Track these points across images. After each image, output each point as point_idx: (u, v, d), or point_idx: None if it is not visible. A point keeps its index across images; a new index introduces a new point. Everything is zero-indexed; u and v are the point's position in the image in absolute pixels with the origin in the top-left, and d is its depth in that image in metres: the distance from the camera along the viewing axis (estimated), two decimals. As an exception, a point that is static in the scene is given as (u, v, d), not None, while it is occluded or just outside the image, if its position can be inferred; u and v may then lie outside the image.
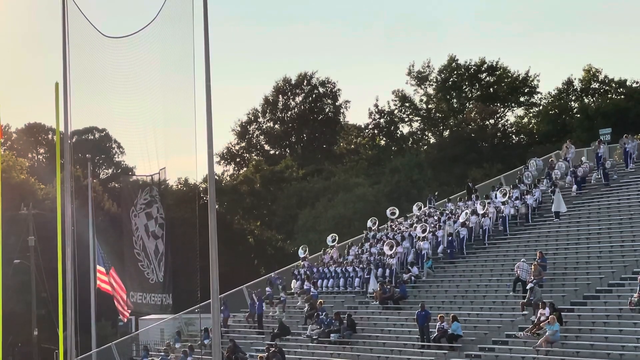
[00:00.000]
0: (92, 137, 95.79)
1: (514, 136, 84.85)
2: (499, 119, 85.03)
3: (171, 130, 24.21)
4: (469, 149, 77.72)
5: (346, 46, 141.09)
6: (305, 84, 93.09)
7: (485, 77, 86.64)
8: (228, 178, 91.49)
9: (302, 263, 48.14)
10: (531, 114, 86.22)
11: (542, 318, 31.33)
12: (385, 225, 49.96)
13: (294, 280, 47.00)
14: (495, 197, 46.06)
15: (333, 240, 49.43)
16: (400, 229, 47.39)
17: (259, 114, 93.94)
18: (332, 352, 37.55)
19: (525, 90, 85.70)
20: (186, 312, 47.95)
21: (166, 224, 25.04)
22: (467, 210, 45.14)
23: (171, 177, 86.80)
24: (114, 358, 48.28)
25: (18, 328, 60.35)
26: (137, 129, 24.78)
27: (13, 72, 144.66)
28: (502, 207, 44.55)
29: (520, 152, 72.52)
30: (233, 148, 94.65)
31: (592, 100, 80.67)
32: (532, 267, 36.05)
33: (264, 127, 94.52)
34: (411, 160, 78.06)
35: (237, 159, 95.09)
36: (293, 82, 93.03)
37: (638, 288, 31.27)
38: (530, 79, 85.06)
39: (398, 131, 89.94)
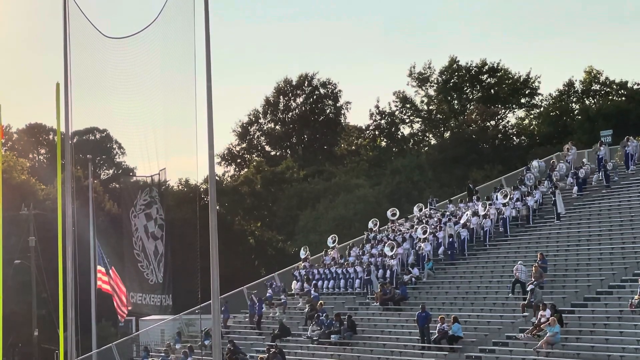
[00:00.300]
0: (93, 138, 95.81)
1: (514, 138, 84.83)
2: (500, 121, 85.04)
3: (172, 130, 24.22)
4: (470, 151, 77.71)
5: (347, 47, 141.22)
6: (306, 85, 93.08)
7: (486, 78, 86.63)
8: (229, 179, 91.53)
9: (302, 264, 48.14)
10: (532, 116, 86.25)
11: (543, 320, 31.30)
12: (386, 227, 49.94)
13: (294, 281, 47.01)
14: (496, 199, 46.05)
15: (333, 242, 49.43)
16: (400, 230, 47.38)
17: (260, 115, 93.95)
18: (332, 353, 37.54)
19: (526, 92, 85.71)
20: (186, 312, 47.95)
21: (166, 224, 25.02)
22: (467, 212, 45.13)
23: (172, 178, 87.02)
24: (114, 358, 48.28)
25: (18, 328, 60.37)
26: (138, 130, 24.79)
27: (14, 72, 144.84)
28: (503, 208, 44.52)
29: (521, 154, 72.51)
30: (234, 149, 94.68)
31: (593, 101, 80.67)
32: (533, 268, 36.05)
33: (265, 128, 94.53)
34: (412, 161, 78.04)
35: (238, 160, 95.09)
36: (294, 83, 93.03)
37: (638, 290, 31.26)
38: (531, 81, 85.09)
39: (399, 132, 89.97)
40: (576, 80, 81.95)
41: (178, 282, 26.87)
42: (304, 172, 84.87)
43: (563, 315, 31.87)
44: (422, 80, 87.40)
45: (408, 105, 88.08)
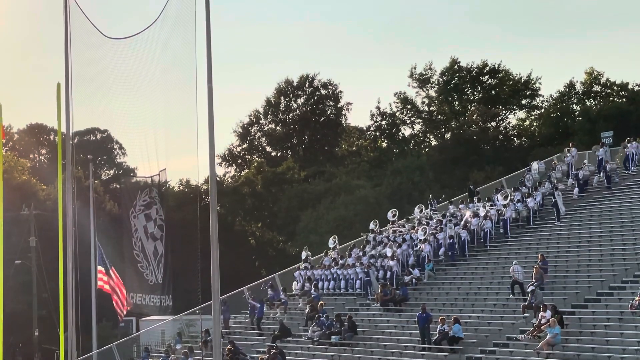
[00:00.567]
0: (93, 138, 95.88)
1: (515, 139, 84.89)
2: (501, 122, 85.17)
3: (172, 131, 24.20)
4: (471, 152, 77.76)
5: (348, 48, 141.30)
6: (307, 85, 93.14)
7: (487, 79, 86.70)
8: (229, 179, 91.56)
9: (303, 265, 48.15)
10: (533, 117, 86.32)
11: (543, 321, 31.29)
12: (387, 228, 49.94)
13: (294, 282, 47.02)
14: (497, 200, 46.05)
15: (334, 242, 49.43)
16: (401, 231, 47.38)
17: (261, 116, 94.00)
18: (332, 353, 37.54)
19: (527, 93, 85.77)
20: (187, 313, 47.95)
21: (166, 225, 24.98)
22: (467, 213, 45.14)
23: (173, 179, 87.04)
24: (114, 359, 48.28)
25: (19, 328, 60.35)
26: (138, 130, 24.77)
27: (15, 72, 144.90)
28: (504, 209, 44.52)
29: (522, 155, 72.53)
30: (235, 149, 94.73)
31: (594, 103, 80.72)
32: (534, 269, 36.05)
33: (266, 128, 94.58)
34: (413, 162, 78.05)
35: (239, 161, 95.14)
36: (295, 83, 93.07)
37: (639, 291, 31.25)
38: (532, 82, 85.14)
39: (400, 133, 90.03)
40: (577, 82, 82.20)
41: (178, 283, 26.84)
42: (305, 173, 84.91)
43: (563, 316, 31.86)
44: (423, 81, 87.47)
45: (409, 106, 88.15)
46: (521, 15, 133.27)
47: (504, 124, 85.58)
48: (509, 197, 45.15)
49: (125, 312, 44.62)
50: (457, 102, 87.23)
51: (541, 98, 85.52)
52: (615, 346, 29.35)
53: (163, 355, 42.89)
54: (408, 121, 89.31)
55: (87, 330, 45.39)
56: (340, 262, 46.15)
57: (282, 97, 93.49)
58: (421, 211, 50.65)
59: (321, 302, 41.89)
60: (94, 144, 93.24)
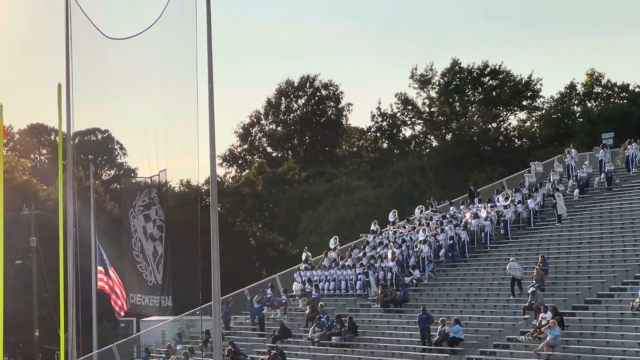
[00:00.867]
0: (94, 138, 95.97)
1: (516, 140, 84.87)
2: (502, 123, 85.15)
3: (173, 131, 24.19)
4: (471, 153, 77.75)
5: (349, 49, 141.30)
6: (308, 86, 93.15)
7: (488, 80, 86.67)
8: (230, 180, 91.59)
9: (303, 266, 48.14)
10: (534, 118, 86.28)
11: (544, 322, 31.27)
12: (387, 228, 49.94)
13: (295, 283, 47.00)
14: (497, 201, 46.04)
15: (335, 243, 49.42)
16: (401, 232, 47.37)
17: (262, 116, 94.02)
18: (333, 354, 37.53)
19: (528, 94, 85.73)
20: (187, 314, 47.96)
21: (166, 226, 24.96)
22: (468, 214, 45.13)
23: (173, 179, 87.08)
24: (115, 359, 48.27)
25: (19, 329, 60.38)
26: (138, 131, 24.76)
27: (16, 72, 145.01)
28: (504, 210, 44.51)
29: (523, 156, 72.44)
30: (235, 150, 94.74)
31: (594, 104, 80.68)
32: (535, 271, 36.05)
33: (267, 129, 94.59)
34: (413, 163, 78.03)
35: (240, 161, 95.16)
36: (296, 84, 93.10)
37: (640, 293, 31.28)
38: (533, 83, 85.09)
39: (400, 134, 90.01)
40: (578, 83, 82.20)
41: (179, 283, 26.83)
42: (306, 174, 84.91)
43: (564, 317, 31.85)
44: (423, 82, 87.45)
45: (410, 107, 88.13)
46: (522, 17, 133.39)
47: (505, 125, 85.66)
48: (509, 198, 45.14)
49: (123, 312, 44.75)
50: (458, 103, 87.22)
51: (542, 99, 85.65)
52: (615, 347, 29.32)
53: (163, 355, 42.86)
54: (409, 122, 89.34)
55: (87, 331, 45.40)
56: (341, 263, 46.16)
57: (283, 98, 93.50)
58: (421, 212, 50.65)
59: (321, 302, 41.87)
60: (94, 144, 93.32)
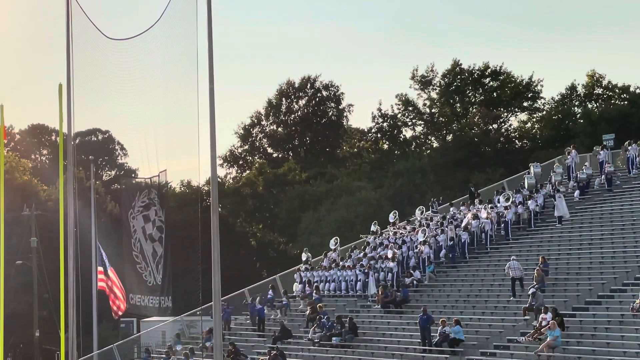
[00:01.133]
0: (95, 139, 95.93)
1: (517, 141, 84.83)
2: (502, 124, 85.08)
3: (174, 132, 24.20)
4: (472, 154, 77.71)
5: (350, 50, 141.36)
6: (308, 87, 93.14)
7: (489, 81, 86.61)
8: (231, 180, 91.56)
9: (303, 266, 48.13)
10: (534, 119, 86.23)
11: (544, 323, 31.27)
12: (387, 229, 49.93)
13: (295, 284, 46.99)
14: (498, 202, 46.03)
15: (335, 244, 49.41)
16: (402, 233, 47.37)
17: (262, 117, 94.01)
18: (333, 355, 37.53)
19: (529, 95, 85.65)
20: (188, 314, 47.96)
21: (166, 226, 24.96)
22: (469, 215, 45.13)
23: (174, 180, 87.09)
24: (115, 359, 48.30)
25: (19, 329, 60.37)
26: (139, 131, 24.78)
27: (17, 73, 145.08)
28: (505, 211, 44.51)
29: (523, 157, 72.46)
30: (236, 151, 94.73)
31: (595, 105, 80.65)
32: (535, 272, 36.06)
33: (267, 130, 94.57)
34: (414, 164, 77.99)
35: (240, 162, 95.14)
36: (296, 85, 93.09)
37: (640, 294, 31.28)
38: (534, 84, 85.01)
39: (401, 135, 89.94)
40: (578, 84, 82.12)
41: (179, 284, 26.84)
42: (306, 174, 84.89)
43: (564, 318, 31.86)
44: (424, 83, 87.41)
45: (410, 108, 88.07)
46: (523, 18, 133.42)
47: (506, 126, 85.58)
48: (510, 199, 45.13)
49: (120, 312, 44.85)
50: (458, 104, 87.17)
51: (543, 100, 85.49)
52: (616, 349, 29.32)
53: (164, 356, 42.89)
54: (409, 123, 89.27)
55: (87, 331, 45.36)
56: (341, 263, 46.16)
57: (283, 99, 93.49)
58: (422, 213, 50.64)
59: (319, 304, 41.86)
60: (95, 144, 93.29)
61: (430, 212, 50.91)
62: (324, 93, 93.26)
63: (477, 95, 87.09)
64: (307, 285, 45.32)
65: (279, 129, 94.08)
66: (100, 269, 46.46)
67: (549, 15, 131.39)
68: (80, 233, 30.09)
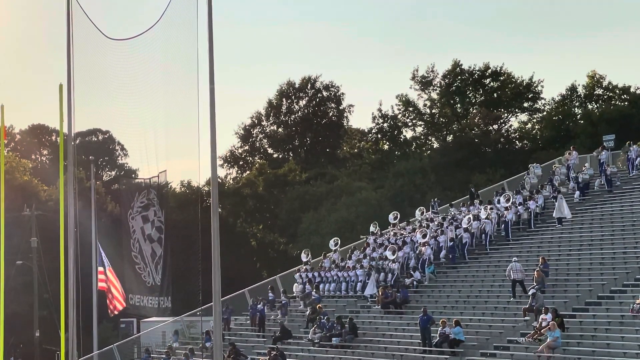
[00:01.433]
0: (95, 139, 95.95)
1: (517, 142, 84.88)
2: (503, 125, 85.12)
3: (174, 132, 24.19)
4: (472, 154, 77.75)
5: (350, 50, 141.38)
6: (309, 87, 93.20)
7: (489, 82, 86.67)
8: (231, 181, 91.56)
9: (304, 267, 48.13)
10: (535, 120, 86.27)
11: (544, 324, 31.27)
12: (388, 230, 49.93)
13: (295, 284, 47.00)
14: (498, 203, 46.04)
15: (335, 244, 49.40)
16: (402, 234, 47.37)
17: (263, 117, 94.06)
18: (333, 356, 37.53)
19: (529, 96, 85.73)
20: (188, 314, 47.97)
21: (166, 227, 24.95)
22: (469, 216, 45.13)
23: (174, 180, 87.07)
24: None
25: (20, 329, 60.39)
26: (139, 132, 24.78)
27: (17, 73, 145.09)
28: (505, 212, 44.52)
29: (524, 158, 72.50)
30: (236, 151, 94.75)
31: (595, 106, 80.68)
32: (535, 273, 36.06)
33: (268, 130, 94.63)
34: (414, 164, 78.04)
35: (240, 162, 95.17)
36: (297, 85, 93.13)
37: (640, 295, 31.27)
38: (534, 85, 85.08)
39: (401, 136, 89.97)
40: (579, 85, 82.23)
41: (179, 284, 26.84)
42: (307, 175, 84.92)
43: (564, 319, 31.85)
44: (425, 83, 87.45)
45: (411, 109, 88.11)
46: (523, 19, 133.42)
47: (506, 127, 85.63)
48: (510, 200, 45.14)
49: (116, 312, 44.93)
50: (459, 105, 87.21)
51: (543, 101, 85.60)
52: (616, 350, 29.31)
53: (164, 356, 42.90)
54: (410, 123, 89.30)
55: (87, 331, 45.37)
56: (341, 264, 46.16)
57: (284, 99, 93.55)
58: (422, 214, 50.64)
59: (319, 304, 41.86)
60: (95, 145, 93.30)
61: (430, 212, 50.90)
62: (325, 93, 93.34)
63: (477, 95, 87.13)
64: (307, 285, 45.32)
65: (280, 130, 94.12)
66: (100, 269, 46.52)
67: (549, 16, 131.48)
68: (81, 233, 30.07)
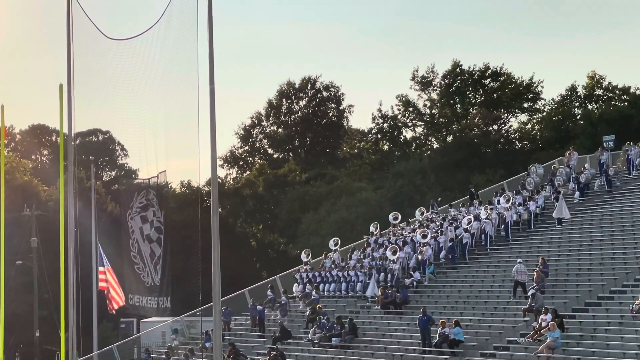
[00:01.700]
0: (95, 139, 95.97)
1: (517, 142, 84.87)
2: (503, 125, 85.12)
3: (174, 133, 24.19)
4: (472, 155, 77.75)
5: (350, 50, 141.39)
6: (309, 88, 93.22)
7: (489, 82, 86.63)
8: (231, 181, 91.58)
9: (304, 267, 48.14)
10: (535, 120, 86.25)
11: (544, 324, 31.29)
12: (388, 230, 49.94)
13: (295, 284, 47.01)
14: (498, 203, 46.06)
15: (335, 244, 49.42)
16: (402, 234, 47.38)
17: (263, 118, 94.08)
18: (333, 356, 37.54)
19: (529, 96, 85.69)
20: (188, 315, 47.97)
21: (165, 227, 24.94)
22: (469, 216, 45.14)
23: (174, 180, 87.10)
24: (115, 360, 48.35)
25: (20, 329, 60.38)
26: (139, 132, 24.78)
27: (17, 73, 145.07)
28: (505, 212, 44.53)
29: (523, 158, 72.52)
30: (236, 151, 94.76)
31: (595, 106, 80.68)
32: (535, 273, 36.08)
33: (268, 130, 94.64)
34: (414, 165, 78.04)
35: (240, 162, 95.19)
36: (297, 86, 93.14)
37: (640, 295, 31.29)
38: (534, 85, 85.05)
39: (401, 136, 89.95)
40: (579, 85, 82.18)
41: (179, 285, 26.85)
42: (306, 175, 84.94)
43: (564, 320, 31.87)
44: (425, 84, 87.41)
45: (411, 109, 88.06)
46: (523, 19, 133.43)
47: (506, 127, 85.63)
48: (510, 200, 45.16)
49: (117, 306, 44.96)
50: (459, 105, 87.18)
51: (543, 101, 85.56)
52: (615, 350, 29.33)
53: (164, 356, 42.91)
54: (410, 124, 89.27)
55: (87, 331, 45.40)
56: (341, 264, 46.17)
57: (284, 99, 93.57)
58: (422, 214, 50.65)
59: (318, 305, 41.85)
60: (95, 145, 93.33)
61: (430, 213, 50.92)
62: (325, 94, 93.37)
63: (477, 96, 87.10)
64: (307, 285, 45.32)
65: (280, 130, 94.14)
66: (101, 269, 46.54)
67: (549, 16, 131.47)
68: (81, 233, 30.08)
